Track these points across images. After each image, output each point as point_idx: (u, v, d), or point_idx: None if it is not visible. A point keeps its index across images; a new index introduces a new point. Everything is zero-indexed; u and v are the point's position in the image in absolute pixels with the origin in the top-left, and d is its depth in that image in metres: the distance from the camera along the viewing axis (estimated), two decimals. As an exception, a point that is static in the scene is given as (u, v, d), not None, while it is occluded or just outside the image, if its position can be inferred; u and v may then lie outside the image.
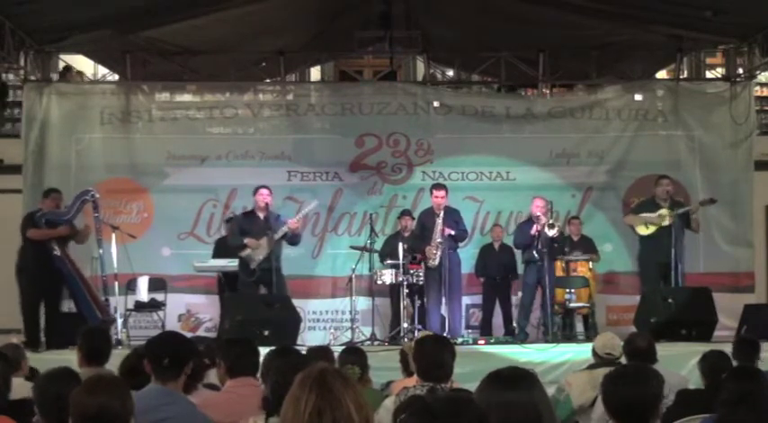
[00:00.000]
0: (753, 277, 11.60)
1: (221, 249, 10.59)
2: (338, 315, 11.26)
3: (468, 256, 10.93)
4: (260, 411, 3.64)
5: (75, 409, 3.05)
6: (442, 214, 10.06)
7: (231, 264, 10.13)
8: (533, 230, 10.10)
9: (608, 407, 3.28)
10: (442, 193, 10.23)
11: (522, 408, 2.56)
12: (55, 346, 8.48)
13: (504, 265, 10.89)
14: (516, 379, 2.62)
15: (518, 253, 10.70)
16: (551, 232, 9.95)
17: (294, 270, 10.55)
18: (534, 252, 10.04)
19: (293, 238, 9.97)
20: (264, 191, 9.90)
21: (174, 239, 11.41)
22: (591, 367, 5.78)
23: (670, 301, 9.27)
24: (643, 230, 10.06)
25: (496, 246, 11.04)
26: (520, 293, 10.69)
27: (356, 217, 11.54)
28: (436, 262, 9.99)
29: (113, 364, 5.02)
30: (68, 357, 6.51)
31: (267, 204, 9.82)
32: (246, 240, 9.71)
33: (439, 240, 10.00)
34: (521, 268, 10.67)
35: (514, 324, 10.65)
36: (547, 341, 9.46)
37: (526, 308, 10.47)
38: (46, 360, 7.07)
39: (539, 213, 10.12)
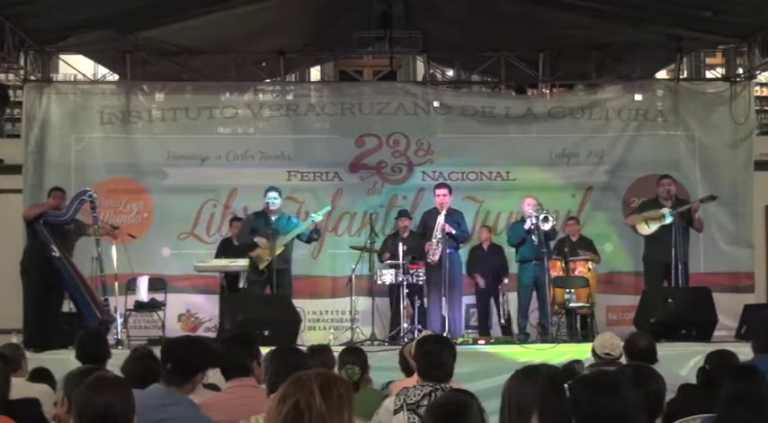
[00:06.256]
0: (753, 277, 11.60)
1: (225, 250, 10.64)
2: (338, 315, 11.26)
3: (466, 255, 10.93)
4: (261, 411, 3.64)
5: (81, 407, 3.04)
6: (443, 212, 10.12)
7: (232, 264, 10.14)
8: (527, 225, 10.12)
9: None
10: (444, 191, 10.31)
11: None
12: (55, 346, 8.47)
13: (494, 265, 10.88)
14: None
15: (510, 253, 10.70)
16: (546, 226, 9.97)
17: (294, 270, 10.52)
18: (533, 237, 10.02)
19: (315, 234, 10.12)
20: (271, 193, 9.94)
21: (174, 239, 11.42)
22: (591, 367, 5.78)
23: (670, 301, 9.28)
24: (645, 230, 10.05)
25: (485, 246, 11.03)
26: (515, 293, 10.68)
27: (356, 217, 11.55)
28: (436, 258, 10.02)
29: (114, 364, 5.03)
30: (68, 357, 6.52)
31: (273, 205, 9.85)
32: (257, 239, 9.77)
33: (439, 237, 10.03)
34: (514, 267, 10.68)
35: (514, 324, 10.66)
36: (547, 341, 9.47)
37: (524, 308, 10.47)
38: (46, 360, 7.06)
39: (531, 211, 10.15)
